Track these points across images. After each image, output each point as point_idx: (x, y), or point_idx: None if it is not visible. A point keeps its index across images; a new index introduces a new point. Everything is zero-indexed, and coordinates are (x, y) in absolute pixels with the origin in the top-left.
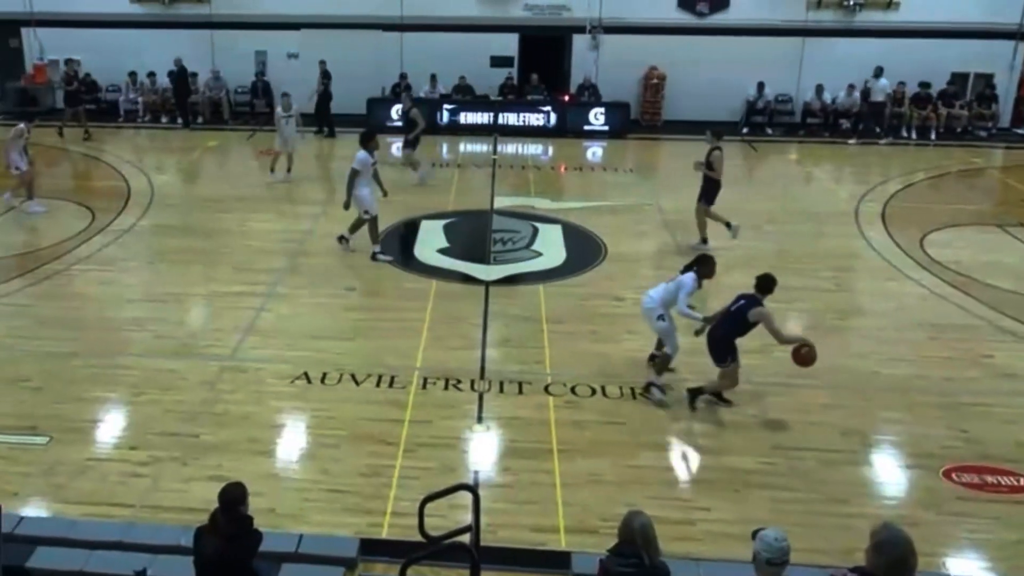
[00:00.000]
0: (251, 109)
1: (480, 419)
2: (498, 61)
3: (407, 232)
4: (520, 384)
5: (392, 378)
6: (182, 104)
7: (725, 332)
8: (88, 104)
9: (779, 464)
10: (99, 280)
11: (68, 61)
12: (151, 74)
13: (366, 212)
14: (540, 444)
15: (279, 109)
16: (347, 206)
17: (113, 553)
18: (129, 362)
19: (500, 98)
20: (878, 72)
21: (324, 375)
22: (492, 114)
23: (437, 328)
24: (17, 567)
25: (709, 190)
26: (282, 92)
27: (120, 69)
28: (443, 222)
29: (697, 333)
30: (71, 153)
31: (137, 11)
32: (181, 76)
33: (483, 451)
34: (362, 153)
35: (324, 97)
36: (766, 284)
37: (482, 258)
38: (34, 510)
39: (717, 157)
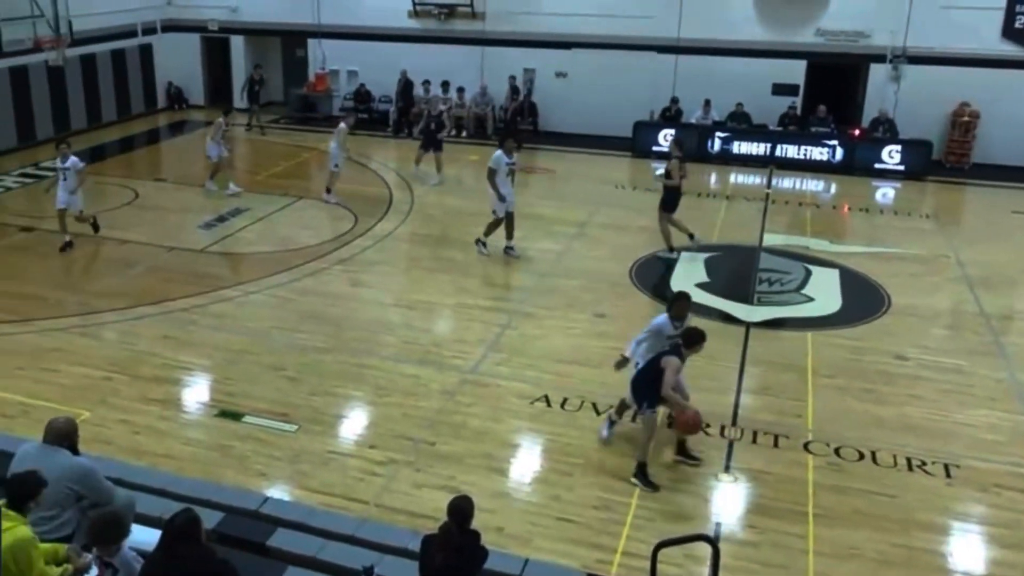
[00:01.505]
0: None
1: (727, 468)
2: (781, 89)
3: (665, 263)
4: (776, 437)
5: (635, 412)
6: (404, 114)
7: (642, 375)
8: (361, 113)
9: None
10: (356, 282)
11: (256, 66)
12: (425, 83)
13: (494, 212)
14: (793, 505)
15: (221, 120)
16: (503, 198)
17: (345, 546)
18: (377, 363)
19: (780, 128)
20: None
21: (565, 400)
22: (769, 145)
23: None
24: (259, 544)
25: (667, 198)
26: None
27: (394, 81)
28: (705, 255)
29: (617, 366)
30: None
31: (414, 26)
32: (406, 88)
33: (728, 503)
34: (497, 152)
35: (516, 111)
36: (690, 338)
37: (745, 297)
38: (278, 492)
39: (674, 165)
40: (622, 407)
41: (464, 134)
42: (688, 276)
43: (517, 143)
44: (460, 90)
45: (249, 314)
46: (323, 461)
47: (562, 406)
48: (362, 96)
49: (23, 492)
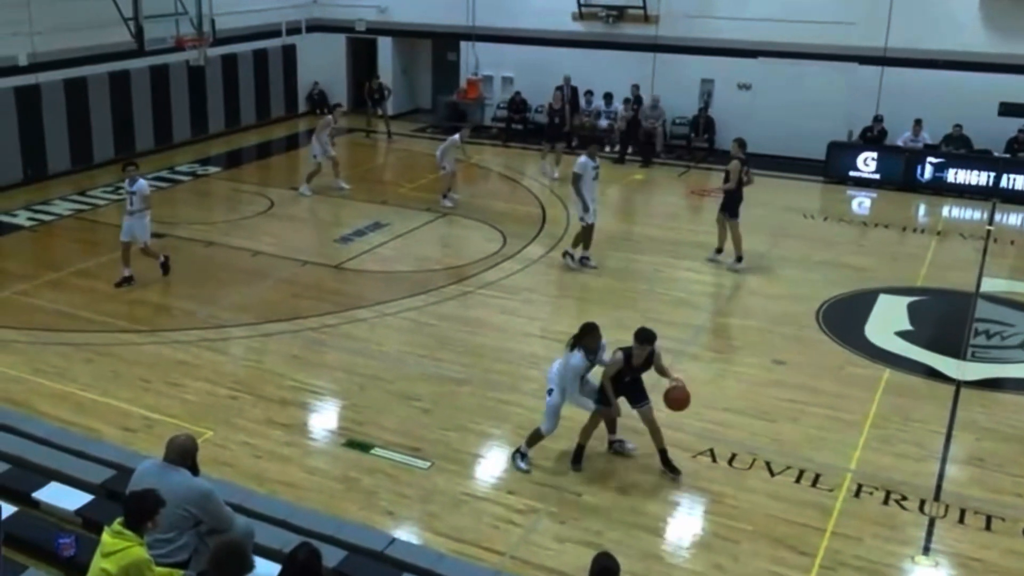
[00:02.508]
0: (687, 143)
1: (927, 550)
2: (1011, 109)
3: (859, 304)
4: (989, 518)
5: (817, 476)
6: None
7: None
8: (516, 124)
9: None
10: (501, 308)
11: (374, 78)
12: (588, 93)
13: (581, 219)
14: None
15: (329, 116)
16: (587, 207)
17: None
18: (519, 400)
19: (1007, 155)
20: None
21: (733, 456)
22: (993, 174)
23: (883, 426)
24: None
25: (728, 203)
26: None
27: (551, 89)
28: (908, 299)
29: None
30: (491, 173)
31: (578, 29)
32: (573, 95)
33: None
34: (583, 158)
35: (633, 123)
36: (644, 336)
37: (956, 351)
38: (405, 534)
39: (735, 167)
40: (531, 439)
41: (630, 150)
42: (887, 322)
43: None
44: (627, 101)
45: (383, 337)
46: (455, 503)
47: (730, 463)
48: (516, 105)
49: (141, 511)
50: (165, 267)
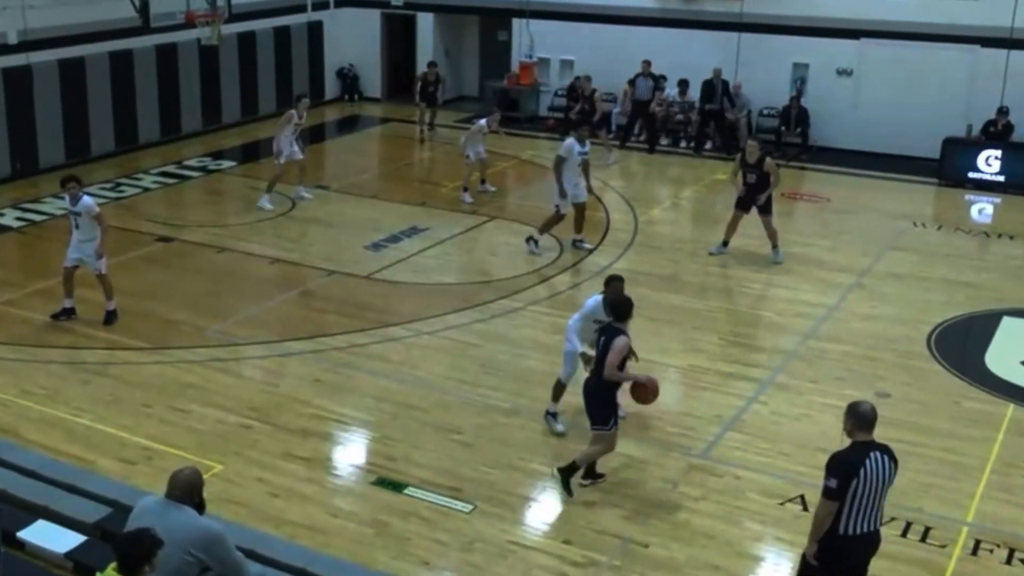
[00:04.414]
0: (776, 138)
1: None
2: None
3: (979, 329)
4: None
5: (927, 529)
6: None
7: (598, 384)
8: (576, 114)
9: None
10: (556, 327)
11: (431, 64)
12: (660, 77)
13: (556, 206)
14: None
15: (292, 111)
16: (564, 194)
17: None
18: (575, 433)
19: None
20: None
21: None
22: None
23: (1006, 472)
24: None
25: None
26: None
27: (620, 74)
28: None
29: (585, 363)
30: (547, 171)
31: (650, 6)
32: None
33: None
34: (569, 140)
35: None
36: (619, 311)
37: None
38: None
39: (771, 166)
40: (555, 391)
41: (709, 145)
42: (1012, 349)
43: (589, 132)
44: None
45: (420, 359)
46: (501, 553)
47: None
48: (577, 93)
49: (135, 554)
50: (111, 316)
